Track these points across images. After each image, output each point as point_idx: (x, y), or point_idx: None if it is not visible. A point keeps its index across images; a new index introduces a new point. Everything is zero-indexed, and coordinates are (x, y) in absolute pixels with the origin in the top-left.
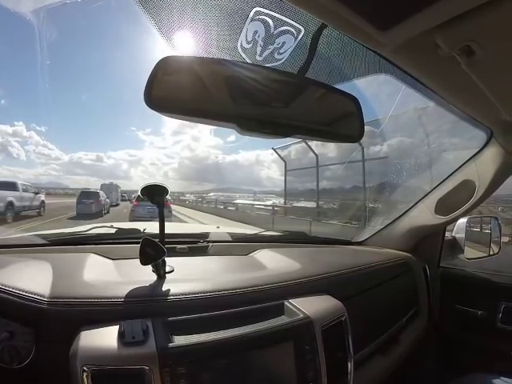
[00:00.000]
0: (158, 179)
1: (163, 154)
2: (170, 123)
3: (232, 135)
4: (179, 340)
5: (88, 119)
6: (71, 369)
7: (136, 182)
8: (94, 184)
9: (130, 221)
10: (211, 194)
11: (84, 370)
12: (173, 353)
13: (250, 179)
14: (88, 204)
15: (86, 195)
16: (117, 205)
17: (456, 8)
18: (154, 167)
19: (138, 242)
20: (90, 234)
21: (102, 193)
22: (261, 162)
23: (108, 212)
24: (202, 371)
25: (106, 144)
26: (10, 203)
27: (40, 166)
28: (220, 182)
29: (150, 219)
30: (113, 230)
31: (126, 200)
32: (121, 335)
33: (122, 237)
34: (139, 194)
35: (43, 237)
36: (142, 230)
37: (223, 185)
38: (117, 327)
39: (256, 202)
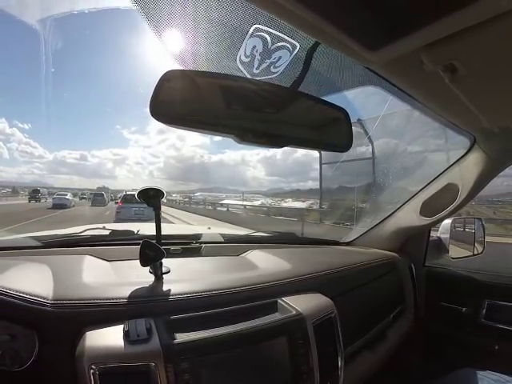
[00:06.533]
0: (143, 178)
1: (148, 153)
2: (156, 122)
3: None
4: (181, 337)
5: (72, 117)
6: (78, 369)
7: (121, 181)
8: (78, 183)
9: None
10: (197, 193)
11: (91, 369)
12: (176, 349)
13: (235, 179)
14: (98, 199)
15: (96, 194)
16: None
17: (441, 30)
18: (139, 166)
19: (132, 244)
20: (85, 236)
21: (103, 192)
22: (246, 162)
23: (106, 204)
24: (203, 365)
25: (91, 142)
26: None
27: (23, 165)
28: (206, 181)
29: (136, 221)
30: (106, 232)
31: (111, 200)
32: (126, 334)
33: (116, 238)
34: (136, 197)
35: (37, 239)
36: (135, 232)
37: (209, 184)
38: (121, 327)
39: (266, 203)
